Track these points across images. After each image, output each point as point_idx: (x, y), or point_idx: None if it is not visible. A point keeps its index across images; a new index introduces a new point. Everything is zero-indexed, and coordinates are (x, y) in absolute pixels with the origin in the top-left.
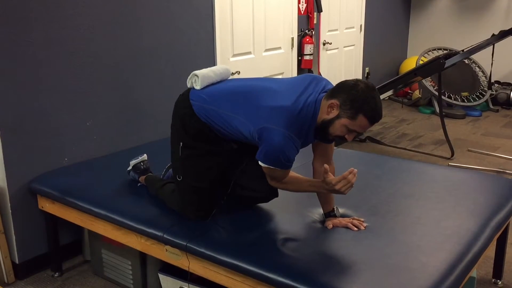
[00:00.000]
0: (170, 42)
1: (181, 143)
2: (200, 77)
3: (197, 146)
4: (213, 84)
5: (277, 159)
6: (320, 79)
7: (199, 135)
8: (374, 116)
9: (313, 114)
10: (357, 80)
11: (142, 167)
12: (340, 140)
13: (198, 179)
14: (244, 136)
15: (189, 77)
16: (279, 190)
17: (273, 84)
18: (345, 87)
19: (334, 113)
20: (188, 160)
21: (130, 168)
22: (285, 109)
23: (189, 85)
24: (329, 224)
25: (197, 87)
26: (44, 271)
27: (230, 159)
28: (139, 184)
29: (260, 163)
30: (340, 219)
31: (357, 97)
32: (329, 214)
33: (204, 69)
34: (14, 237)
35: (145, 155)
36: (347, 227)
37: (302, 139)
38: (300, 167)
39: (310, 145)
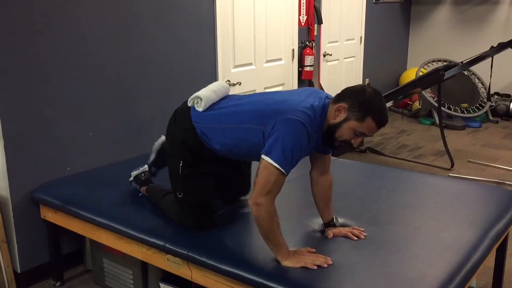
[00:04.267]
0: (172, 53)
1: (181, 162)
2: (204, 100)
3: (199, 165)
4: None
5: (288, 149)
6: (320, 90)
7: (201, 156)
8: (382, 120)
9: (321, 117)
10: (363, 85)
11: (143, 177)
12: (345, 147)
13: (200, 197)
14: (254, 144)
15: (191, 97)
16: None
17: (275, 95)
18: (353, 90)
19: (342, 116)
20: (189, 179)
21: (131, 178)
22: (296, 106)
23: (190, 105)
24: (329, 233)
25: (200, 109)
26: (46, 280)
27: (231, 176)
28: (140, 194)
29: (263, 157)
30: (340, 228)
31: (366, 100)
32: (329, 223)
33: (205, 90)
34: (16, 246)
35: (146, 166)
36: (347, 237)
37: (312, 141)
38: (297, 179)
39: (307, 157)
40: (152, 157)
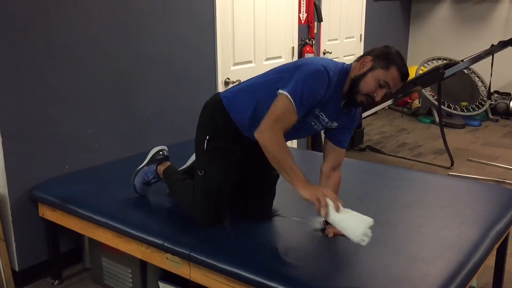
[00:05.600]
0: (172, 50)
1: (207, 137)
2: None
3: (223, 139)
4: None
5: (302, 83)
6: None
7: (227, 130)
8: (405, 71)
9: (339, 76)
10: (386, 45)
11: (160, 155)
12: (367, 104)
13: (219, 178)
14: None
15: None
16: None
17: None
18: (377, 48)
19: (368, 66)
20: (213, 153)
21: (144, 164)
22: (321, 59)
23: None
24: (330, 232)
25: None
26: (44, 278)
27: (249, 169)
28: (152, 180)
29: (279, 91)
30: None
31: (390, 52)
32: None
33: None
34: (14, 245)
35: (165, 146)
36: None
37: (331, 95)
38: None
39: (308, 154)
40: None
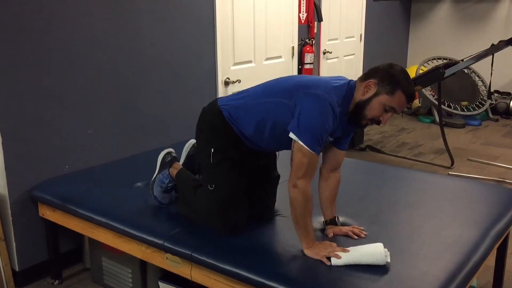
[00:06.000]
0: (171, 51)
1: (212, 149)
2: None
3: (229, 149)
4: None
5: (313, 127)
6: (343, 76)
7: (231, 139)
8: (412, 93)
9: (345, 98)
10: (390, 62)
11: (167, 159)
12: (373, 124)
13: (231, 189)
14: (279, 119)
15: None
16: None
17: (301, 77)
18: (381, 67)
19: (372, 91)
20: (221, 165)
21: (156, 172)
22: (321, 84)
23: None
24: (330, 232)
25: None
26: (44, 279)
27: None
28: (168, 184)
29: (291, 135)
30: (341, 227)
31: (395, 74)
32: (330, 222)
33: None
34: (14, 245)
35: (171, 148)
36: (347, 235)
37: (338, 120)
38: None
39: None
40: (183, 159)
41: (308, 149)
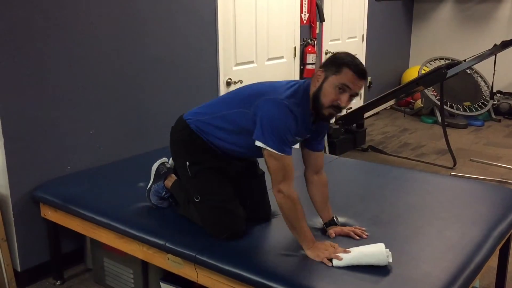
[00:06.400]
0: (174, 51)
1: (187, 163)
2: None
3: (204, 160)
4: None
5: (276, 131)
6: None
7: (203, 150)
8: (358, 65)
9: (303, 97)
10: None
11: (161, 171)
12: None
13: (216, 195)
14: (243, 129)
15: None
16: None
17: (261, 84)
18: (326, 58)
19: (321, 78)
20: (200, 175)
21: (151, 183)
22: (278, 87)
23: None
24: (331, 233)
25: None
26: (46, 279)
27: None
28: (165, 194)
29: (258, 143)
30: (342, 227)
31: (337, 56)
32: (330, 223)
33: None
34: (16, 245)
35: (164, 158)
36: (349, 236)
37: (300, 120)
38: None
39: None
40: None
41: (278, 152)
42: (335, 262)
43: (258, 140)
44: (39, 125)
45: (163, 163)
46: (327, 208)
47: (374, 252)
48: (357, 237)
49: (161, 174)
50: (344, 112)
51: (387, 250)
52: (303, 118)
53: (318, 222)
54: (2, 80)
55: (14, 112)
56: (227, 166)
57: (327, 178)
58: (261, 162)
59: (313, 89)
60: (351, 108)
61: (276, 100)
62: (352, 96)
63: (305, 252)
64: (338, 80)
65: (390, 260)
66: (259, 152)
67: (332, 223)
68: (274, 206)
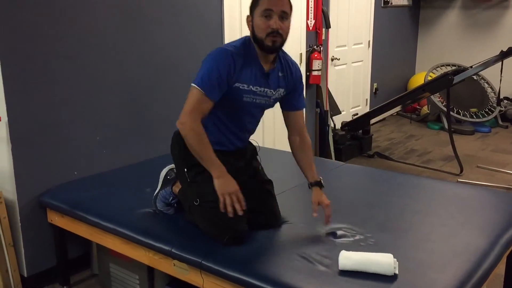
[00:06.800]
0: (180, 56)
1: (185, 168)
2: None
3: (199, 162)
4: None
5: (205, 68)
6: None
7: None
8: None
9: (244, 44)
10: None
11: (169, 177)
12: (277, 38)
13: (215, 194)
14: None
15: None
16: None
17: None
18: None
19: (250, 20)
20: (197, 179)
21: (158, 189)
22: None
23: None
24: (315, 208)
25: None
26: (52, 284)
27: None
28: (172, 200)
29: (191, 84)
30: (324, 199)
31: None
32: (316, 183)
33: None
34: (23, 250)
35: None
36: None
37: (248, 69)
38: (297, 187)
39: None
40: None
41: (196, 86)
42: (341, 265)
43: (193, 82)
44: (46, 131)
45: (171, 169)
46: (312, 170)
47: (382, 261)
48: (329, 219)
49: (169, 180)
50: (350, 118)
51: (395, 260)
52: (251, 63)
53: (320, 227)
54: (10, 86)
55: (22, 118)
56: (227, 163)
57: (310, 142)
58: (267, 171)
59: (251, 34)
60: (357, 114)
61: (218, 48)
62: (282, 17)
63: (214, 181)
64: (260, 9)
65: (397, 272)
66: (246, 116)
67: (317, 184)
68: (282, 212)
